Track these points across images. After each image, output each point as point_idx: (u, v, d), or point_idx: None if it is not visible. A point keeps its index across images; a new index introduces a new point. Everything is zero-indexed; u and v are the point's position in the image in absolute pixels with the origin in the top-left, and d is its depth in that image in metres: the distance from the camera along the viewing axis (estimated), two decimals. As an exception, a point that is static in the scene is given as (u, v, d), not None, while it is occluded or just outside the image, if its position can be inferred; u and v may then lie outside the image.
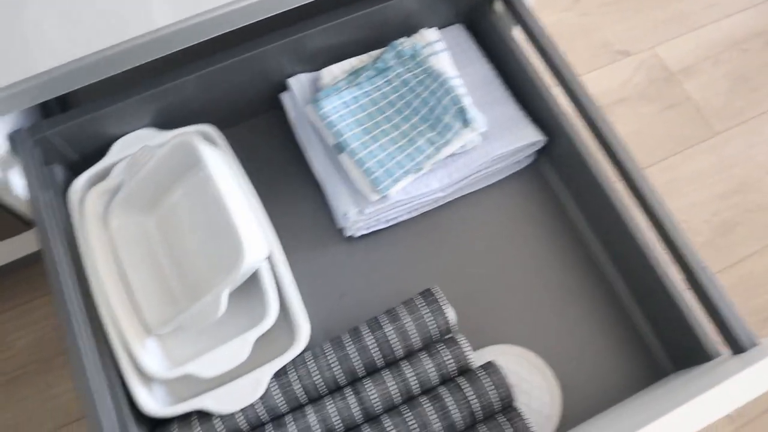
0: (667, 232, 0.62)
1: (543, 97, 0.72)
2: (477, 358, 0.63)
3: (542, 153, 0.75)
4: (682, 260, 0.61)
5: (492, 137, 0.70)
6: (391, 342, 0.61)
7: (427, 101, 0.68)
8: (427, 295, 0.64)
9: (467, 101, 0.67)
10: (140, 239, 0.67)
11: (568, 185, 0.74)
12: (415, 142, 0.67)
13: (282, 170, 0.74)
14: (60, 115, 0.67)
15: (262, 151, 0.75)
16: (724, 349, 0.62)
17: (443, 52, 0.72)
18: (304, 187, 0.73)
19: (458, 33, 0.77)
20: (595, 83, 1.22)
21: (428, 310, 0.62)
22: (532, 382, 0.66)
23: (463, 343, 0.63)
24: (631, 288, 0.70)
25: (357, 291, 0.69)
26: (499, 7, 0.76)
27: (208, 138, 0.69)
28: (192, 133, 0.65)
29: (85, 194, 0.66)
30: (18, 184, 0.67)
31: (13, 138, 0.66)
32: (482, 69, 0.75)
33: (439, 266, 0.71)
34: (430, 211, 0.72)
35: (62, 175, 0.70)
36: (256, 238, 0.60)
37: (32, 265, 0.85)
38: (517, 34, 0.75)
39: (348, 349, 0.61)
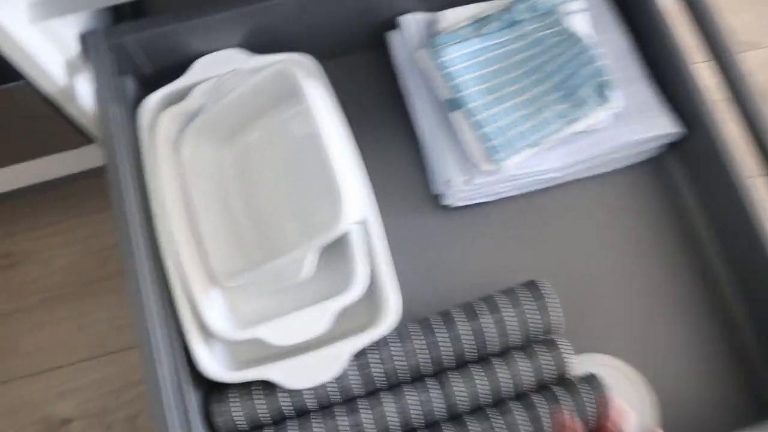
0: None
1: (686, 81, 0.62)
2: (573, 366, 0.56)
3: (672, 145, 0.66)
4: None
5: (622, 121, 0.61)
6: (486, 335, 0.54)
7: (564, 67, 0.58)
8: (533, 288, 0.56)
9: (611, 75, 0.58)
10: (213, 175, 0.60)
11: (696, 186, 0.65)
12: (542, 112, 0.58)
13: (377, 118, 0.66)
14: (141, 20, 0.59)
15: (356, 94, 0.66)
16: None
17: (582, 12, 0.62)
18: (400, 141, 0.65)
19: (593, -8, 0.67)
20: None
21: (534, 306, 0.55)
22: (629, 400, 0.59)
23: (565, 348, 0.55)
24: (753, 315, 0.62)
25: (446, 266, 0.62)
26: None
27: (306, 70, 0.60)
28: (292, 63, 0.56)
29: (159, 115, 0.58)
30: (84, 92, 0.59)
31: (87, 39, 0.58)
32: (618, 39, 0.65)
33: (537, 253, 0.63)
34: (536, 190, 0.64)
35: (133, 89, 0.62)
36: (358, 195, 0.52)
37: (78, 181, 0.78)
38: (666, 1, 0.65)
39: (438, 335, 0.54)
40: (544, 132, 0.58)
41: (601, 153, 0.62)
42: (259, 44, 0.62)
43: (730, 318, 0.62)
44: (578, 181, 0.65)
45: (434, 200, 0.63)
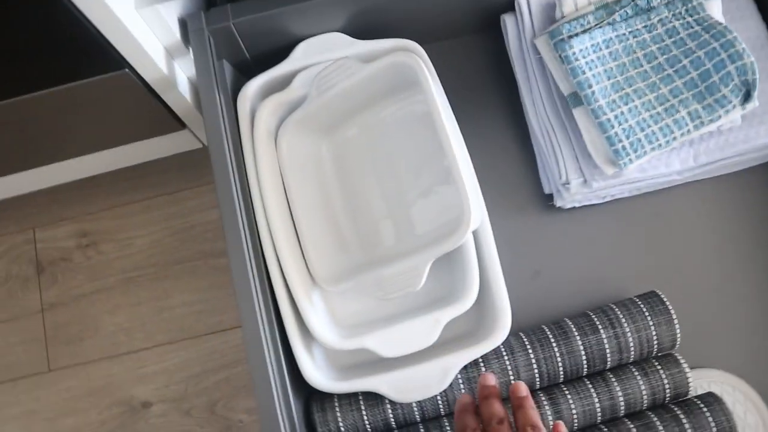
0: None
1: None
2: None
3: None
4: None
5: (754, 119, 0.56)
6: (605, 350, 0.51)
7: (701, 63, 0.53)
8: (654, 301, 0.52)
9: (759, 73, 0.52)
10: (311, 169, 0.57)
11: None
12: (673, 113, 0.53)
13: (484, 109, 0.61)
14: (240, 3, 0.56)
15: (462, 80, 0.62)
16: None
17: (716, -3, 0.57)
18: (509, 135, 0.61)
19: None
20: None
21: (653, 322, 0.51)
22: (746, 421, 0.56)
23: (685, 366, 0.52)
24: None
25: (554, 270, 0.58)
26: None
27: (421, 60, 0.56)
28: (404, 52, 0.52)
29: (259, 104, 0.55)
30: (182, 79, 0.56)
31: (186, 23, 0.55)
32: (756, 27, 0.59)
33: (650, 259, 0.59)
34: (652, 192, 0.59)
35: (231, 74, 0.59)
36: (479, 201, 0.49)
37: (157, 161, 0.76)
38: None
39: (553, 349, 0.51)
40: (675, 134, 0.53)
41: (731, 155, 0.57)
42: (361, 29, 0.58)
43: None
44: (696, 182, 0.60)
45: (543, 199, 0.59)
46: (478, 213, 0.47)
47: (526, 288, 0.58)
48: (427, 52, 0.57)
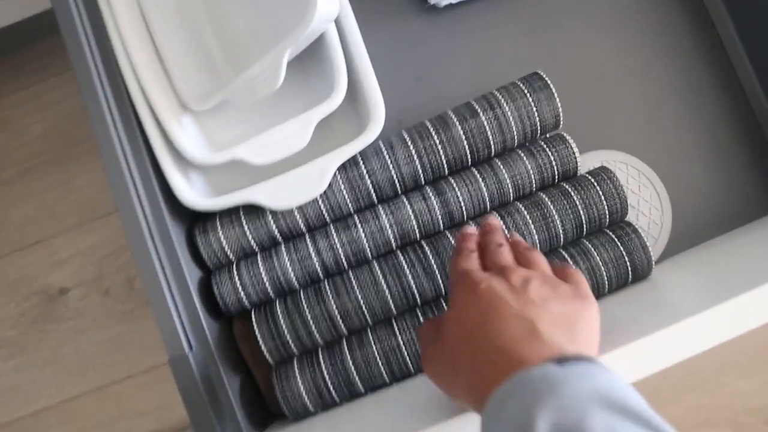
0: None
1: None
2: (581, 162, 0.52)
3: None
4: None
5: None
6: (487, 133, 0.49)
7: None
8: (533, 79, 0.51)
9: None
10: (170, -7, 0.53)
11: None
12: None
13: None
14: None
15: None
16: None
17: None
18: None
19: None
20: None
21: (534, 98, 0.50)
22: (640, 195, 0.55)
23: (571, 142, 0.51)
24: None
25: (437, 73, 0.56)
26: None
27: None
28: None
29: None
30: None
31: None
32: None
33: (538, 51, 0.57)
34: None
35: None
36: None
37: (35, 45, 0.72)
38: None
39: (434, 138, 0.49)
40: None
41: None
42: None
43: (743, 92, 0.57)
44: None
45: (420, 1, 0.57)
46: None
47: (411, 93, 0.56)
48: None
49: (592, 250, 0.48)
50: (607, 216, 0.50)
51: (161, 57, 0.51)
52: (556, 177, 0.51)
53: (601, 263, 0.48)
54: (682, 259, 0.53)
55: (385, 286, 0.48)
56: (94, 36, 0.48)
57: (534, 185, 0.50)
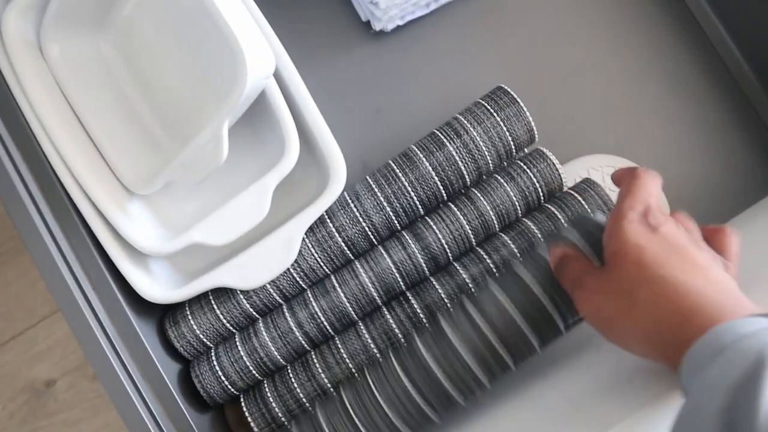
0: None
1: None
2: (564, 175, 0.48)
3: None
4: None
5: None
6: (458, 164, 0.45)
7: None
8: (498, 95, 0.47)
9: None
10: (95, 69, 0.49)
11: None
12: None
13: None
14: None
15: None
16: None
17: None
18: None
19: None
20: None
21: (502, 116, 0.46)
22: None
23: (551, 156, 0.47)
24: (754, 65, 0.53)
25: (397, 103, 0.52)
26: None
27: None
28: None
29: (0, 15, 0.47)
30: None
31: None
32: None
33: (500, 63, 0.53)
34: (480, -15, 0.53)
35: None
36: (259, 44, 0.42)
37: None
38: None
39: (401, 180, 0.45)
40: None
41: None
42: None
43: (730, 76, 0.53)
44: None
45: (364, 29, 0.52)
46: (263, 56, 0.40)
47: (373, 128, 0.52)
48: None
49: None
50: (602, 230, 0.46)
51: (96, 142, 0.47)
52: (542, 197, 0.47)
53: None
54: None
55: (375, 350, 0.44)
56: (9, 133, 0.44)
57: (519, 210, 0.46)
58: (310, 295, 0.45)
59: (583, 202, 0.45)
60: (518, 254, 0.45)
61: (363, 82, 0.52)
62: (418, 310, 0.44)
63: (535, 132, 0.46)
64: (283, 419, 0.44)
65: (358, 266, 0.45)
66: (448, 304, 0.44)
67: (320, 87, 0.49)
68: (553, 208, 0.46)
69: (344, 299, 0.45)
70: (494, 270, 0.44)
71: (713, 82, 0.53)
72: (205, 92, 0.45)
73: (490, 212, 0.46)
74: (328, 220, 0.45)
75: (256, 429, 0.45)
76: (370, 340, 0.44)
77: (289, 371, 0.45)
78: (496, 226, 0.46)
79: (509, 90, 0.46)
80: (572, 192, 0.46)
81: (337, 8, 0.52)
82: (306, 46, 0.50)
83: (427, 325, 0.43)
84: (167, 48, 0.48)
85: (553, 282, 0.38)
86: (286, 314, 0.45)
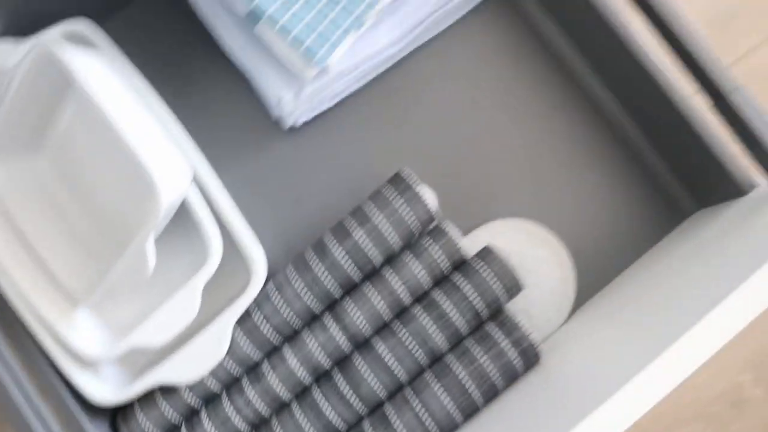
0: (677, 37, 0.49)
1: None
2: (470, 244, 0.53)
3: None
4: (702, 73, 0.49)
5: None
6: (365, 249, 0.50)
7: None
8: (397, 181, 0.52)
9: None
10: (34, 188, 0.53)
11: (545, 6, 0.59)
12: (346, -8, 0.51)
13: (189, 61, 0.58)
14: None
15: (158, 42, 0.58)
16: (761, 179, 0.51)
17: None
18: (222, 76, 0.57)
19: None
20: None
21: (402, 200, 0.51)
22: (537, 256, 0.56)
23: (452, 230, 0.52)
24: (638, 120, 0.58)
25: (314, 192, 0.57)
26: None
27: (80, 39, 0.53)
28: (55, 40, 0.49)
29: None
30: None
31: None
32: None
33: (406, 142, 0.58)
34: (382, 73, 0.58)
35: None
36: (172, 163, 0.46)
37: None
38: None
39: (315, 269, 0.50)
40: (359, 10, 0.51)
41: (435, 7, 0.55)
42: (27, 24, 0.54)
43: (618, 133, 0.58)
44: (423, 46, 0.58)
45: (276, 126, 0.57)
46: (177, 176, 0.45)
47: (293, 217, 0.56)
48: (108, 29, 0.53)
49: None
50: (505, 293, 0.51)
51: (39, 255, 0.51)
52: (446, 270, 0.52)
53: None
54: (592, 309, 0.54)
55: (309, 427, 0.49)
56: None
57: (428, 284, 0.51)
58: (245, 382, 0.50)
59: (484, 268, 0.50)
60: (425, 324, 0.49)
61: (280, 176, 0.56)
62: (345, 383, 0.49)
63: (433, 211, 0.51)
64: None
65: (286, 352, 0.50)
66: (370, 380, 0.49)
67: (243, 184, 0.55)
68: (456, 278, 0.51)
69: (275, 383, 0.49)
70: (410, 341, 0.49)
71: (604, 144, 0.58)
72: (131, 208, 0.50)
73: (401, 289, 0.50)
74: (255, 311, 0.50)
75: None
76: (301, 419, 0.49)
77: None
78: (409, 299, 0.51)
79: (404, 176, 0.51)
80: (475, 259, 0.51)
81: (250, 111, 0.57)
82: (225, 147, 0.55)
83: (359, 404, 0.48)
84: (98, 162, 0.52)
85: None
86: (224, 402, 0.50)
